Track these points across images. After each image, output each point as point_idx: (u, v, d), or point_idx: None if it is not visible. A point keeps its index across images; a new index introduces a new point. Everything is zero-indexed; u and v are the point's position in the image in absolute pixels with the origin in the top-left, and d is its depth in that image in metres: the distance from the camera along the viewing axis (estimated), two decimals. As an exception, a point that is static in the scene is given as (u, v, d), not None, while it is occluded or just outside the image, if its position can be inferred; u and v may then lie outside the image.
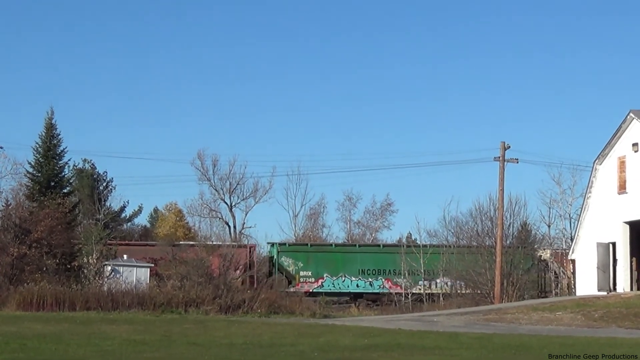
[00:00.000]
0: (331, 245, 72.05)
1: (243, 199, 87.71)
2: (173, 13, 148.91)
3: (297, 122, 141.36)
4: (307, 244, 71.35)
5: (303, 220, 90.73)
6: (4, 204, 57.35)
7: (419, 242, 69.85)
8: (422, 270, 64.11)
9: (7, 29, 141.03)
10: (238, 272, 59.45)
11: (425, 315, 48.15)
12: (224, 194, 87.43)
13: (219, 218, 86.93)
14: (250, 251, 65.29)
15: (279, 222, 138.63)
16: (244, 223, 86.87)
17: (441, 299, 62.12)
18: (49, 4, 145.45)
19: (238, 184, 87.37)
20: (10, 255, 51.91)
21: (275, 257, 64.99)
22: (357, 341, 31.56)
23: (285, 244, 68.67)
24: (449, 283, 63.29)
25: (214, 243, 61.73)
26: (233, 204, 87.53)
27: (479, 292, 59.03)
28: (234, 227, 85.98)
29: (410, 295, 62.72)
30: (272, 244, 68.23)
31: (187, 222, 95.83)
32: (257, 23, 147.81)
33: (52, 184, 61.96)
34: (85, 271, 55.40)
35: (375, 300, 63.20)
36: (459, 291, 61.88)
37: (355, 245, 74.10)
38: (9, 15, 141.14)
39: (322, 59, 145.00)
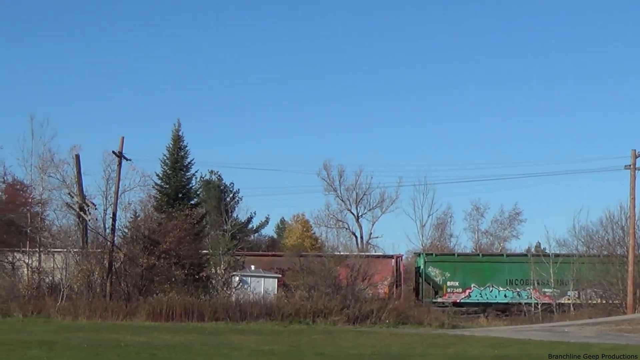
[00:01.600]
0: (478, 255, 71.30)
1: (369, 210, 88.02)
2: (302, 29, 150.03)
3: (423, 131, 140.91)
4: (453, 254, 70.95)
5: (430, 230, 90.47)
6: (132, 216, 58.43)
7: (548, 252, 68.67)
8: (552, 280, 63.05)
9: (139, 46, 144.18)
10: (386, 282, 59.86)
11: (555, 326, 47.47)
12: (350, 205, 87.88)
13: (346, 228, 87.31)
14: (397, 261, 65.30)
15: (405, 232, 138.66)
16: (371, 233, 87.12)
17: (571, 309, 61.05)
18: (170, 20, 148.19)
19: (364, 194, 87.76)
20: (140, 266, 52.99)
21: (421, 267, 64.71)
22: (486, 352, 31.33)
23: (432, 254, 68.21)
24: (579, 293, 62.17)
25: (341, 253, 61.90)
26: (360, 214, 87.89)
27: (610, 302, 57.89)
28: (361, 237, 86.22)
29: (540, 305, 61.77)
30: (419, 254, 67.95)
31: (314, 233, 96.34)
32: (392, 34, 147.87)
33: (180, 195, 62.92)
34: (213, 282, 56.10)
35: (504, 311, 62.42)
36: (589, 301, 60.72)
37: (502, 255, 73.20)
38: (143, 34, 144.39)
39: (448, 70, 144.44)
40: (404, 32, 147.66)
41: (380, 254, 68.74)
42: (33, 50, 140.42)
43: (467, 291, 64.02)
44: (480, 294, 64.19)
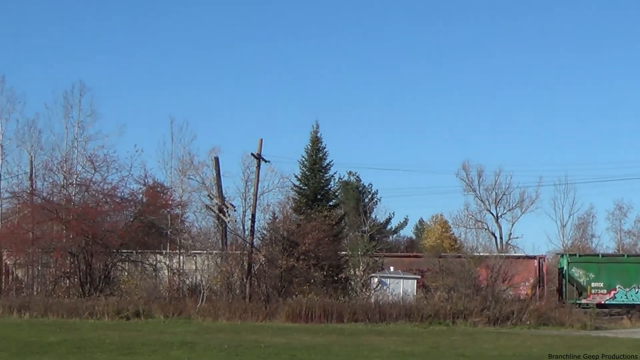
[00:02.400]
0: (623, 255, 69.73)
1: (509, 210, 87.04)
2: (435, 26, 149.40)
3: (562, 130, 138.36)
4: (597, 255, 69.43)
5: (571, 230, 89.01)
6: (271, 218, 58.97)
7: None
8: None
9: (277, 47, 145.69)
10: (527, 283, 59.19)
11: (701, 327, 46.15)
12: (489, 205, 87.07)
13: (485, 229, 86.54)
14: (539, 262, 64.45)
15: (546, 233, 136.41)
16: (510, 234, 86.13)
17: None
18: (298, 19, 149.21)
19: (504, 194, 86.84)
20: (279, 268, 53.42)
21: (565, 268, 63.60)
22: (630, 354, 30.55)
23: (575, 254, 66.85)
24: None
25: (481, 254, 61.31)
26: (499, 214, 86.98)
27: None
28: (500, 237, 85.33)
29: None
30: (562, 255, 66.81)
31: (453, 234, 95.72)
32: (537, 29, 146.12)
33: (319, 197, 63.16)
34: (352, 283, 56.15)
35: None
36: None
37: None
38: (281, 36, 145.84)
39: (590, 66, 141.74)
40: (547, 27, 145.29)
41: (521, 254, 67.79)
42: (173, 53, 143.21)
43: (612, 292, 62.51)
44: (626, 295, 62.61)
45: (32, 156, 63.41)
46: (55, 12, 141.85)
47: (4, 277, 60.16)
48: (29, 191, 61.04)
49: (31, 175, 62.67)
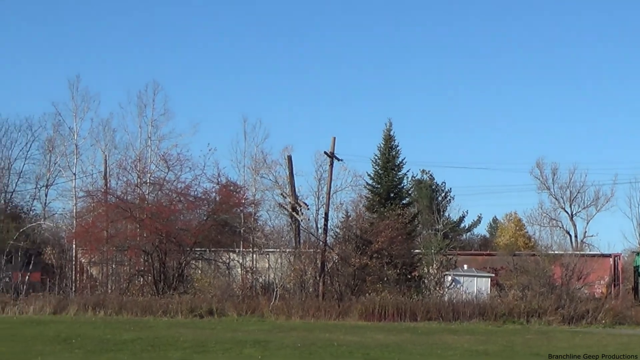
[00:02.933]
0: None
1: (584, 208, 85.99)
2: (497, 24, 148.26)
3: (638, 126, 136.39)
4: None
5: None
6: (344, 216, 59.01)
7: None
8: None
9: (346, 47, 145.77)
10: (602, 281, 58.57)
11: None
12: (564, 203, 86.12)
13: (560, 227, 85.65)
14: (614, 260, 63.75)
15: (622, 231, 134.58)
16: (585, 232, 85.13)
17: None
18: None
19: (578, 192, 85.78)
20: (352, 266, 53.45)
21: (640, 266, 62.90)
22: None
23: (651, 253, 66.18)
24: None
25: (555, 252, 60.70)
26: (574, 212, 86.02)
27: None
28: (575, 236, 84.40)
29: None
30: (638, 253, 66.06)
31: (527, 232, 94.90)
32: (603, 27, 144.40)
33: (392, 195, 62.99)
34: (425, 281, 55.99)
35: None
36: None
37: None
38: (358, 38, 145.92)
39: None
40: (627, 20, 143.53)
41: (596, 252, 66.95)
42: (247, 52, 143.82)
43: (688, 290, 61.66)
44: None
45: (106, 155, 64.11)
46: (129, 11, 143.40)
47: (78, 275, 60.87)
48: (103, 190, 61.74)
49: (105, 174, 63.37)
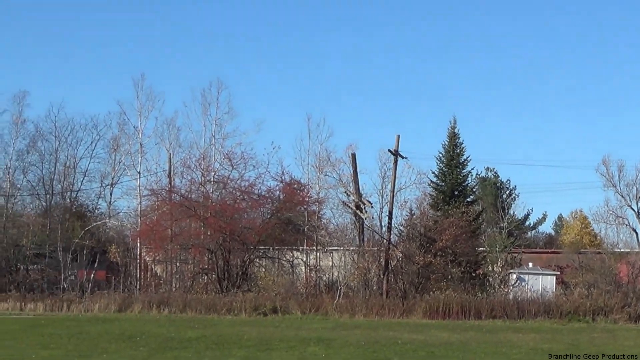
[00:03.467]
0: None
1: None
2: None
3: None
4: None
5: None
6: (408, 214, 58.90)
7: None
8: None
9: (415, 47, 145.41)
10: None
11: None
12: (630, 201, 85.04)
13: (626, 225, 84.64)
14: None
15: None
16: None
17: None
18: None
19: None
20: (416, 264, 53.31)
21: None
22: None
23: None
24: None
25: (622, 250, 60.03)
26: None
27: None
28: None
29: None
30: None
31: (593, 229, 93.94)
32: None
33: (456, 193, 62.71)
34: (490, 279, 55.71)
35: None
36: None
37: None
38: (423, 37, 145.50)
39: None
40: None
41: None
42: (310, 50, 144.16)
43: None
44: None
45: (170, 154, 64.65)
46: (194, 9, 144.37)
47: (143, 273, 61.44)
48: (167, 188, 62.18)
49: (170, 172, 63.87)
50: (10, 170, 65.05)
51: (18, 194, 66.73)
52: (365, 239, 58.90)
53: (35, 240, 61.16)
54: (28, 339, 32.08)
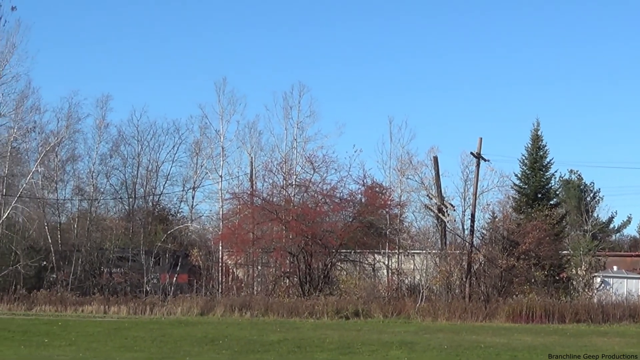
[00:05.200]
0: None
1: None
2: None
3: None
4: None
5: None
6: (491, 217, 58.75)
7: None
8: None
9: (495, 48, 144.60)
10: None
11: None
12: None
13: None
14: None
15: None
16: None
17: None
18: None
19: None
20: (499, 267, 53.16)
21: None
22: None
23: None
24: None
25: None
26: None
27: None
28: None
29: None
30: None
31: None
32: None
33: (539, 195, 62.40)
34: (574, 283, 55.34)
35: None
36: None
37: None
38: (497, 36, 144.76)
39: None
40: None
41: None
42: (396, 55, 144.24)
43: None
44: None
45: (252, 157, 65.14)
46: (275, 13, 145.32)
47: (224, 276, 62.02)
48: (249, 192, 62.71)
49: (251, 176, 64.39)
50: (94, 174, 66.10)
51: (101, 198, 67.87)
52: (448, 242, 58.83)
53: (119, 244, 62.23)
54: (112, 341, 32.75)
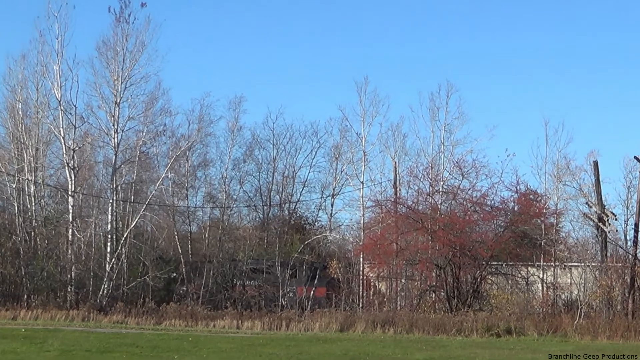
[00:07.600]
0: None
1: None
2: None
3: None
4: None
5: None
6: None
7: None
8: None
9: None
10: None
11: None
12: None
13: None
14: None
15: None
16: None
17: None
18: None
19: None
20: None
21: None
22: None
23: None
24: None
25: None
26: None
27: None
28: None
29: None
30: None
31: None
32: None
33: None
34: None
35: None
36: None
37: None
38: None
39: None
40: None
41: None
42: (550, 54, 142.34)
43: None
44: None
45: (396, 162, 64.75)
46: (418, 9, 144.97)
47: (365, 290, 61.93)
48: (393, 199, 62.23)
49: (395, 182, 63.83)
50: (226, 180, 66.79)
51: (234, 206, 68.56)
52: (609, 254, 57.66)
53: (252, 255, 62.53)
54: (246, 358, 32.65)
